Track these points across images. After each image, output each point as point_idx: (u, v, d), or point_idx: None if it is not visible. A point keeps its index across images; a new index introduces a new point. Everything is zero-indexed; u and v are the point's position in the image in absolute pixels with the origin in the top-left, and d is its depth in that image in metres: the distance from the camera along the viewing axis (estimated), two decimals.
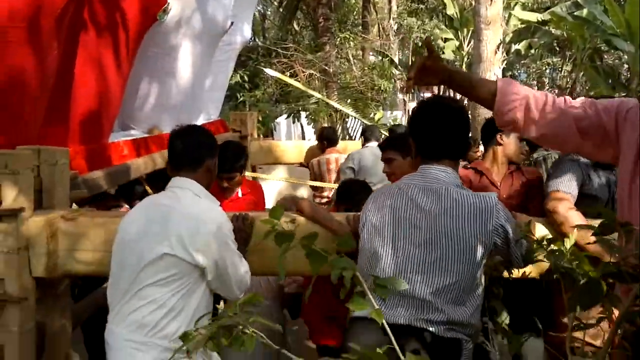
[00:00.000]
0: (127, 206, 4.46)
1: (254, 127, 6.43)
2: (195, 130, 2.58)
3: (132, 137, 4.15)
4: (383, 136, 6.32)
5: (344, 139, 11.95)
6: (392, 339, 1.52)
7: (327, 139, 6.35)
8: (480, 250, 1.96)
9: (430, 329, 1.89)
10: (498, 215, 2.00)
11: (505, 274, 2.15)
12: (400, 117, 15.14)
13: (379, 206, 2.10)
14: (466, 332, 1.94)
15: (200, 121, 5.59)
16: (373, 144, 5.73)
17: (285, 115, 14.35)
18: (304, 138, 14.42)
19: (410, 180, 2.11)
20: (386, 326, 1.50)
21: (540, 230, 2.48)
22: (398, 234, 2.01)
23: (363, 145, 6.04)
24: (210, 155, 2.47)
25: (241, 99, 14.84)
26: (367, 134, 6.15)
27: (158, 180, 4.79)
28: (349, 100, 11.61)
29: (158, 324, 2.21)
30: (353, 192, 3.11)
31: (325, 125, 13.71)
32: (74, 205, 3.24)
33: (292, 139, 14.79)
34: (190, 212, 2.28)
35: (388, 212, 2.06)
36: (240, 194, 3.72)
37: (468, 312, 1.94)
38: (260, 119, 11.90)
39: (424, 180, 2.07)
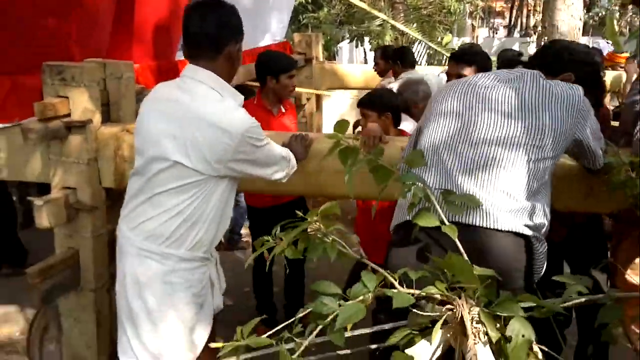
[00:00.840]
0: None
1: (319, 49, 6.24)
2: (216, 4, 2.05)
3: None
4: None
5: None
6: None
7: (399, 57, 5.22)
8: (551, 138, 1.85)
9: (497, 225, 1.77)
10: (583, 107, 1.91)
11: None
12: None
13: (447, 96, 2.01)
14: (536, 231, 1.83)
15: (264, 42, 5.53)
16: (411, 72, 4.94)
17: (347, 40, 13.96)
18: (366, 63, 14.04)
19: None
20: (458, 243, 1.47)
21: None
22: (470, 120, 1.91)
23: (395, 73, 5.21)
24: (234, 39, 2.05)
25: (304, 21, 14.49)
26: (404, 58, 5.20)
27: None
28: (415, 24, 11.11)
29: (174, 234, 2.06)
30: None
31: None
32: None
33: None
34: (209, 115, 1.97)
35: (459, 99, 1.97)
36: (283, 110, 3.64)
37: (538, 206, 1.84)
38: (322, 42, 11.63)
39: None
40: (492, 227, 1.75)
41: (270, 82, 3.45)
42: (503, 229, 1.75)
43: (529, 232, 1.79)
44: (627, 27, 13.93)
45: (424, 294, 1.36)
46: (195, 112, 1.98)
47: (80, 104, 2.48)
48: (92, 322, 2.69)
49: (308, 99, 5.74)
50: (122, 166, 2.58)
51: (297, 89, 5.58)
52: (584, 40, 12.11)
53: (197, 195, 2.03)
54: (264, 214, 3.48)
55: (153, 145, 2.03)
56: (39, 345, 2.99)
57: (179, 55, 3.91)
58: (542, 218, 1.85)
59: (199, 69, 2.02)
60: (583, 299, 1.37)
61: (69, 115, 2.49)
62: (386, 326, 1.45)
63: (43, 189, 2.66)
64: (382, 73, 5.57)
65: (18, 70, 2.72)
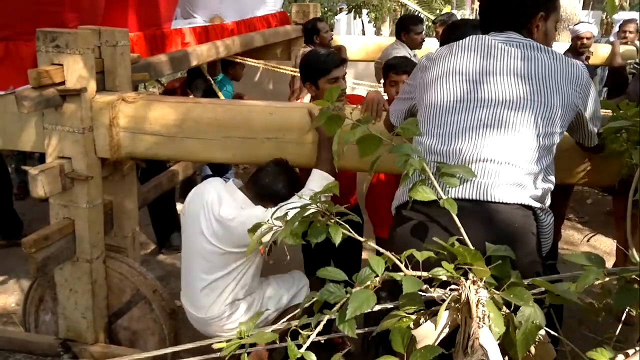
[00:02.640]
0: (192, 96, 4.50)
1: None
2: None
3: (194, 25, 4.07)
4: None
5: None
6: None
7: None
8: (560, 111, 1.80)
9: (501, 197, 1.71)
10: (587, 83, 1.87)
11: None
12: (467, 16, 14.34)
13: (443, 58, 1.92)
14: (541, 202, 1.80)
15: (261, 12, 5.44)
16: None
17: (345, 12, 13.76)
18: (364, 35, 13.84)
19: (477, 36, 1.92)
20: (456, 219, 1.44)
21: None
22: (468, 86, 1.83)
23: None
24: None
25: None
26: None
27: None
28: None
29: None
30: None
31: (388, 21, 13.06)
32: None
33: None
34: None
35: (461, 59, 1.87)
36: None
37: (544, 177, 1.82)
38: (320, 13, 11.41)
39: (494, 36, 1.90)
40: (497, 200, 1.70)
41: (311, 90, 2.91)
42: (509, 202, 1.71)
43: (535, 204, 1.76)
44: (628, 1, 13.81)
45: (430, 276, 1.33)
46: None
47: (75, 71, 2.43)
48: (87, 292, 2.68)
49: None
50: (117, 136, 2.54)
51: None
52: (584, 13, 11.96)
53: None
54: None
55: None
56: (35, 315, 2.99)
57: (175, 24, 3.84)
58: (546, 190, 1.82)
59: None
60: (596, 280, 1.29)
61: (63, 83, 2.44)
62: (389, 305, 1.42)
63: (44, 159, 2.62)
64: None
65: (12, 37, 2.65)
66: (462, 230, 1.46)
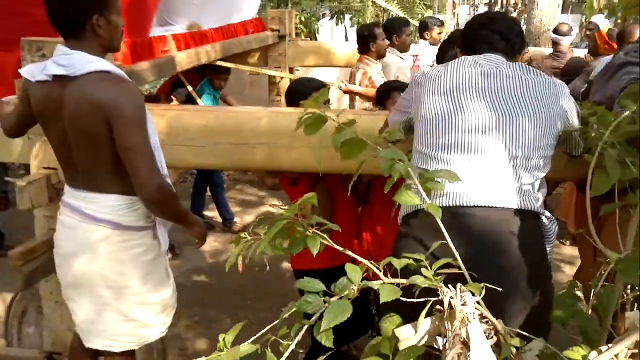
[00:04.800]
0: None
1: (292, 26, 6.17)
2: None
3: (173, 32, 4.05)
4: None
5: None
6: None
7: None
8: (551, 120, 1.92)
9: (504, 204, 1.80)
10: (565, 95, 1.99)
11: None
12: (448, 20, 14.52)
13: (437, 77, 2.01)
14: (538, 204, 1.88)
15: (237, 19, 5.44)
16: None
17: (328, 17, 13.78)
18: (347, 40, 13.92)
19: (469, 57, 2.04)
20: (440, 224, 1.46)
21: None
22: (466, 98, 1.93)
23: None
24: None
25: None
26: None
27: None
28: (395, 1, 11.02)
29: None
30: None
31: None
32: None
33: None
34: None
35: (452, 79, 1.97)
36: None
37: (539, 185, 1.91)
38: (302, 19, 11.41)
39: (483, 58, 2.02)
40: (499, 205, 1.79)
41: None
42: (509, 207, 1.80)
43: (540, 210, 1.86)
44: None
45: (408, 284, 1.34)
46: None
47: None
48: None
49: (282, 77, 5.69)
50: None
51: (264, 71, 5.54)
52: (563, 17, 12.18)
53: None
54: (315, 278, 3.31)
55: None
56: (17, 328, 2.94)
57: (152, 32, 3.81)
58: (542, 192, 1.93)
59: None
60: None
61: None
62: None
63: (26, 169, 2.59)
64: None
65: None
66: (449, 242, 1.47)
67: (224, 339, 1.35)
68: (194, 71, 4.55)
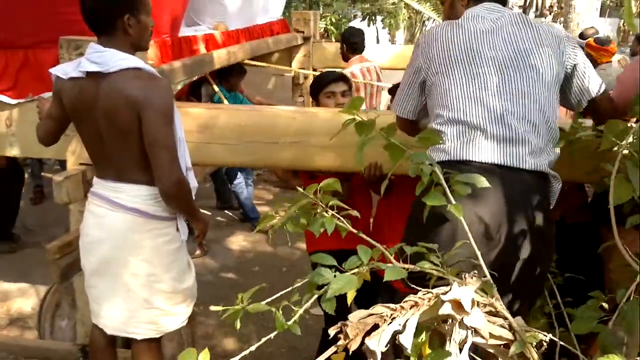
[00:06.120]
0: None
1: (317, 28, 6.19)
2: None
3: (201, 33, 4.11)
4: None
5: None
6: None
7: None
8: (556, 74, 1.95)
9: (519, 164, 1.81)
10: (569, 42, 2.02)
11: None
12: None
13: (441, 39, 2.01)
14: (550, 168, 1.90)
15: (262, 20, 5.49)
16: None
17: (359, 19, 13.71)
18: (378, 42, 13.87)
19: (472, 11, 2.04)
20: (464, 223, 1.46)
21: None
22: (473, 62, 1.93)
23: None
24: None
25: None
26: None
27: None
28: (428, 2, 10.90)
29: None
30: None
31: (402, 29, 13.02)
32: None
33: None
34: None
35: (453, 46, 1.97)
36: None
37: (549, 144, 1.92)
38: (333, 20, 11.34)
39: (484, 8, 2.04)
40: (526, 167, 1.81)
41: (314, 105, 3.08)
42: (534, 170, 1.82)
43: (550, 172, 1.88)
44: None
45: (418, 269, 1.36)
46: None
47: None
48: None
49: (305, 78, 5.72)
50: None
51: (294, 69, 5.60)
52: (601, 21, 12.00)
53: None
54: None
55: None
56: (50, 321, 3.01)
57: (182, 32, 3.87)
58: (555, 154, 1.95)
59: None
60: None
61: None
62: None
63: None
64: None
65: (31, 45, 2.69)
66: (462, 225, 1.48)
67: (241, 297, 1.43)
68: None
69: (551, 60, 1.94)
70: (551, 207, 1.93)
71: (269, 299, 1.39)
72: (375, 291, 3.06)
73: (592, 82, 2.06)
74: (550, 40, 1.97)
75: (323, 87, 2.95)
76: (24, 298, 3.96)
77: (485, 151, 1.82)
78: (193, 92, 4.99)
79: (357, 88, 4.86)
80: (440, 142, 1.85)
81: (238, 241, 5.16)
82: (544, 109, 1.89)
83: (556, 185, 1.93)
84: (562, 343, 1.36)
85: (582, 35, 5.59)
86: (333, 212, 1.51)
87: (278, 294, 1.41)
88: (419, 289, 1.29)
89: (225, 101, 4.76)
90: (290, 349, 3.44)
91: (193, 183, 2.35)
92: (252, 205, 5.45)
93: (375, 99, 5.27)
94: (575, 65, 2.04)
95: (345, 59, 5.22)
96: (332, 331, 1.23)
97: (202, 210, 4.55)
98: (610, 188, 1.58)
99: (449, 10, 2.20)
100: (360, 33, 5.30)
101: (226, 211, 5.74)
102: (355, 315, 1.24)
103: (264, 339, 1.27)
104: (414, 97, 2.12)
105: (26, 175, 5.36)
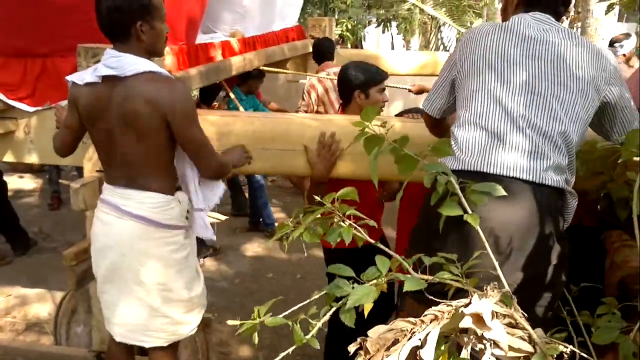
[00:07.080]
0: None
1: (332, 34, 6.20)
2: None
3: (218, 40, 4.13)
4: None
5: (437, 49, 11.36)
6: None
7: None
8: (593, 94, 1.87)
9: (536, 178, 1.77)
10: (611, 63, 1.94)
11: None
12: None
13: (480, 39, 1.97)
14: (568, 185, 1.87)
15: (276, 27, 5.51)
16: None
17: (374, 25, 13.70)
18: (393, 48, 13.86)
19: (519, 17, 1.99)
20: (481, 232, 1.45)
21: None
22: (506, 68, 1.89)
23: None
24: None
25: (331, 4, 14.17)
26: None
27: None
28: (444, 9, 10.85)
29: None
30: None
31: (417, 34, 13.02)
32: None
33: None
34: None
35: (490, 47, 1.93)
36: None
37: (569, 163, 1.88)
38: (348, 26, 11.36)
39: (531, 17, 1.98)
40: (537, 181, 1.77)
41: (359, 98, 3.01)
42: (552, 185, 1.78)
43: (567, 188, 1.85)
44: None
45: (437, 280, 1.34)
46: None
47: None
48: None
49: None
50: None
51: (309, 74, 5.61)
52: (619, 26, 11.90)
53: None
54: (341, 257, 3.34)
55: None
56: (66, 327, 3.03)
57: (198, 39, 3.89)
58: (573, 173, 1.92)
59: None
60: None
61: None
62: None
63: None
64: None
65: (49, 53, 2.72)
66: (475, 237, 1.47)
67: (258, 310, 1.41)
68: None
69: (588, 88, 1.87)
70: (567, 224, 1.90)
71: (286, 313, 1.39)
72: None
73: (631, 120, 2.00)
74: (596, 65, 1.88)
75: (380, 81, 2.98)
76: (41, 303, 4.01)
77: (501, 163, 1.79)
78: (203, 100, 5.05)
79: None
80: (454, 149, 1.84)
81: (252, 248, 5.18)
82: (567, 132, 1.83)
83: (572, 202, 1.89)
84: (581, 354, 1.35)
85: (612, 41, 5.55)
86: (350, 222, 1.48)
87: (296, 307, 1.40)
88: (439, 300, 1.28)
89: (241, 108, 4.79)
90: (303, 357, 3.43)
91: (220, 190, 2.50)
92: (268, 211, 5.45)
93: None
94: (615, 103, 1.95)
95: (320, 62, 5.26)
96: (352, 348, 1.22)
97: (217, 214, 4.63)
98: (634, 197, 1.56)
99: (502, 14, 2.18)
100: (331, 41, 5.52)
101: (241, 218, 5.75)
102: (375, 331, 1.24)
103: (283, 354, 1.26)
104: (443, 95, 2.13)
105: (43, 181, 5.42)
